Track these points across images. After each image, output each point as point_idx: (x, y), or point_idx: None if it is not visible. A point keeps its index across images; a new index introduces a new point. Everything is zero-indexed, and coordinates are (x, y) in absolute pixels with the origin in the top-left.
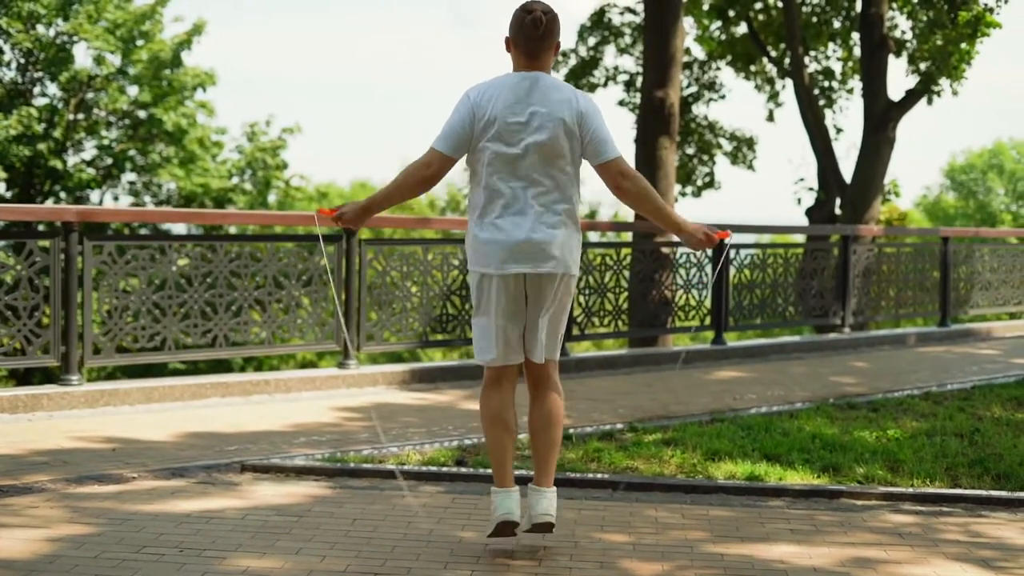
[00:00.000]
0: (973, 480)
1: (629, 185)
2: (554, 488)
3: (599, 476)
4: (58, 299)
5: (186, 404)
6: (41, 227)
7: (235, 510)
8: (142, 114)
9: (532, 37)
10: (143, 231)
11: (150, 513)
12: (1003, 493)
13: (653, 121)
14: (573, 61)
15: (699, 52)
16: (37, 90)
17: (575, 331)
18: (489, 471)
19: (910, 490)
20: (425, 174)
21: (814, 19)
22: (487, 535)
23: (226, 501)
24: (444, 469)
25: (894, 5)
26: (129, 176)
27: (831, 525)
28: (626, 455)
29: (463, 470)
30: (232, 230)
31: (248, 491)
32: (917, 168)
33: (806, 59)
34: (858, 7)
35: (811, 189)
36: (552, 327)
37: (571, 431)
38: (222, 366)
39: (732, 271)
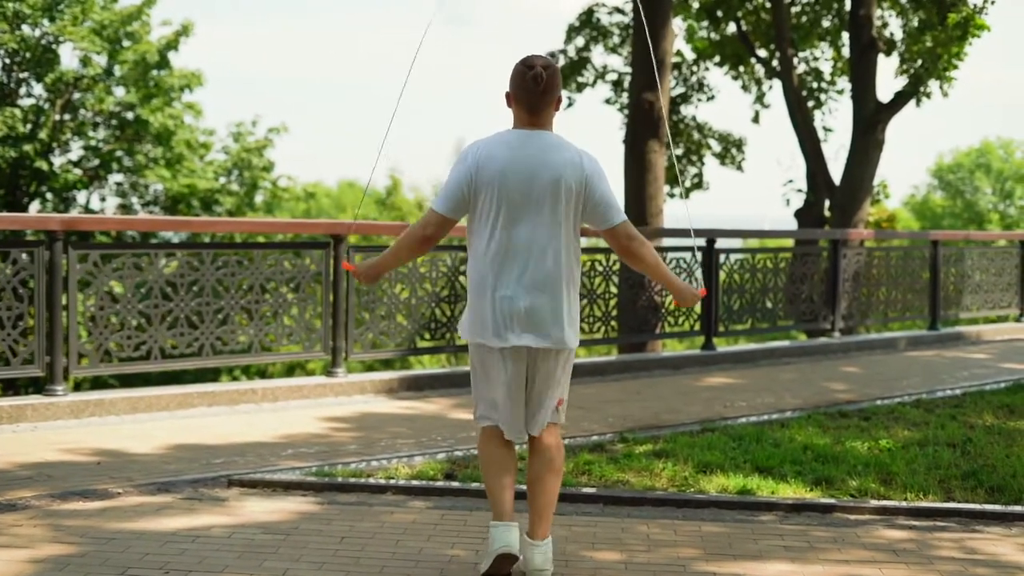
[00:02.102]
0: (967, 493)
1: (637, 247)
2: (550, 539)
3: (590, 491)
4: (42, 308)
5: (172, 414)
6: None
7: (222, 528)
8: (129, 115)
9: (533, 92)
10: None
11: (135, 531)
12: (997, 507)
13: (642, 124)
14: (562, 61)
15: (688, 53)
16: (23, 91)
17: None
18: (479, 486)
19: (904, 504)
20: (424, 234)
21: (803, 18)
22: (482, 571)
23: (213, 518)
24: (433, 484)
25: (884, 5)
26: (116, 177)
27: (825, 541)
28: (617, 468)
29: (453, 484)
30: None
31: (235, 507)
32: (905, 167)
33: (795, 60)
34: (847, 8)
35: (800, 191)
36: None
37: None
38: (206, 377)
39: (722, 275)
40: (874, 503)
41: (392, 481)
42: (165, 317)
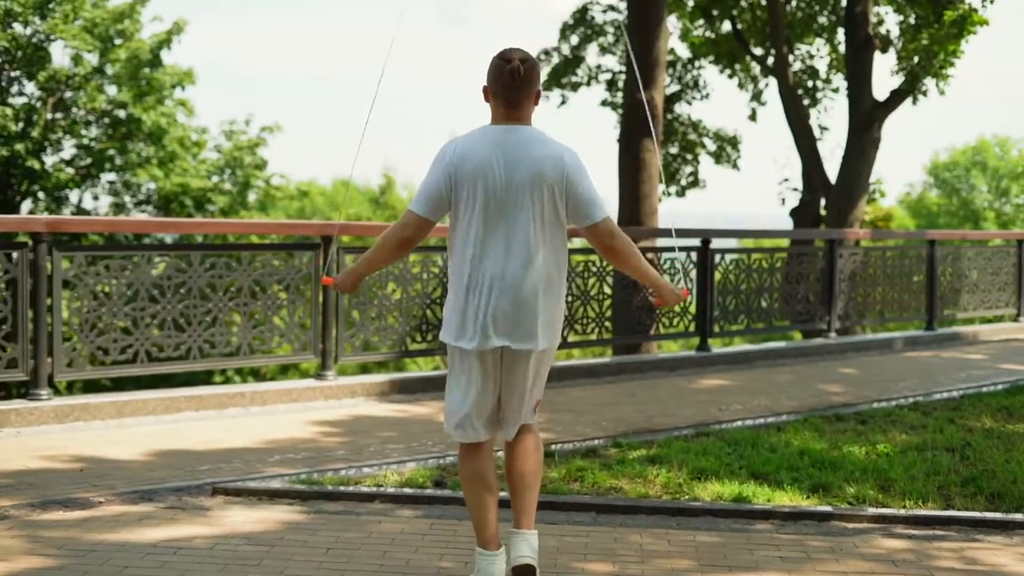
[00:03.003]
0: (966, 500)
1: (618, 245)
2: (535, 530)
3: (582, 499)
4: (26, 311)
5: (159, 418)
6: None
7: (204, 538)
8: (121, 113)
9: (511, 86)
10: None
11: (116, 543)
12: (997, 515)
13: (636, 123)
14: (556, 60)
15: (683, 51)
16: (15, 89)
17: None
18: None
19: (902, 512)
20: (403, 236)
21: (799, 16)
22: None
23: (195, 528)
24: (422, 492)
25: (880, 2)
26: (109, 176)
27: (822, 551)
28: (610, 474)
29: (442, 492)
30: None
31: (218, 517)
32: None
33: (790, 58)
34: (843, 5)
35: (795, 189)
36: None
37: (553, 447)
38: (199, 377)
39: (717, 276)
40: (872, 511)
41: (380, 489)
42: (152, 319)
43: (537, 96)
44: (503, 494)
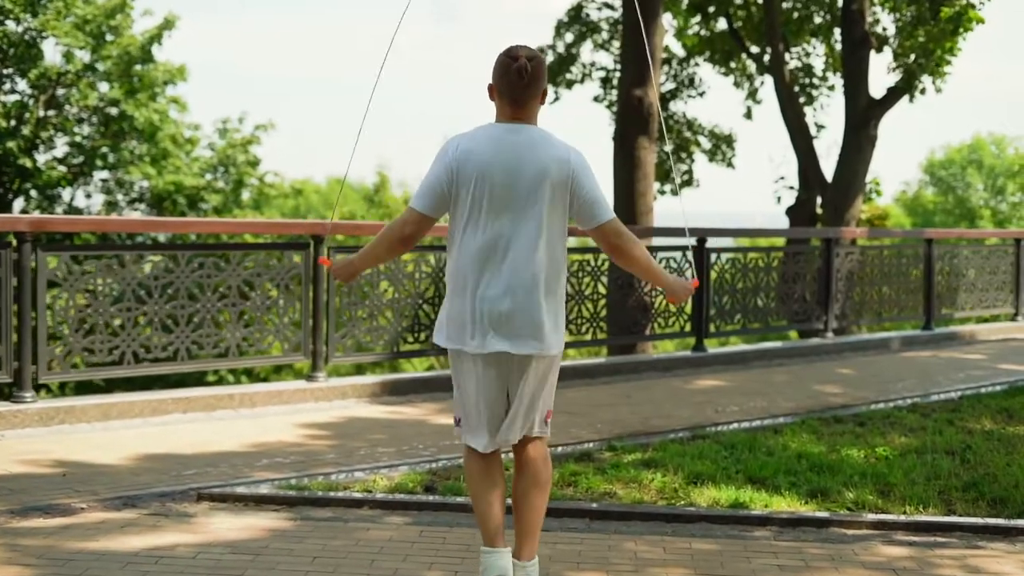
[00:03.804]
0: (968, 505)
1: (626, 245)
2: (536, 560)
3: (576, 505)
4: (9, 312)
5: (146, 421)
6: None
7: (187, 547)
8: (113, 111)
9: (518, 85)
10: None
11: (96, 551)
12: (1000, 521)
13: (631, 120)
14: (550, 57)
15: (677, 48)
16: (6, 87)
17: None
18: (460, 499)
19: (903, 518)
20: (402, 233)
21: (795, 15)
22: None
23: (178, 536)
24: (412, 498)
25: (875, 1)
26: (102, 174)
27: (821, 559)
28: (604, 479)
29: (432, 498)
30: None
31: (202, 524)
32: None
33: (786, 56)
34: (839, 2)
35: (791, 188)
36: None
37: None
38: (191, 378)
39: (713, 275)
40: (872, 517)
41: (369, 495)
42: (140, 320)
43: (543, 95)
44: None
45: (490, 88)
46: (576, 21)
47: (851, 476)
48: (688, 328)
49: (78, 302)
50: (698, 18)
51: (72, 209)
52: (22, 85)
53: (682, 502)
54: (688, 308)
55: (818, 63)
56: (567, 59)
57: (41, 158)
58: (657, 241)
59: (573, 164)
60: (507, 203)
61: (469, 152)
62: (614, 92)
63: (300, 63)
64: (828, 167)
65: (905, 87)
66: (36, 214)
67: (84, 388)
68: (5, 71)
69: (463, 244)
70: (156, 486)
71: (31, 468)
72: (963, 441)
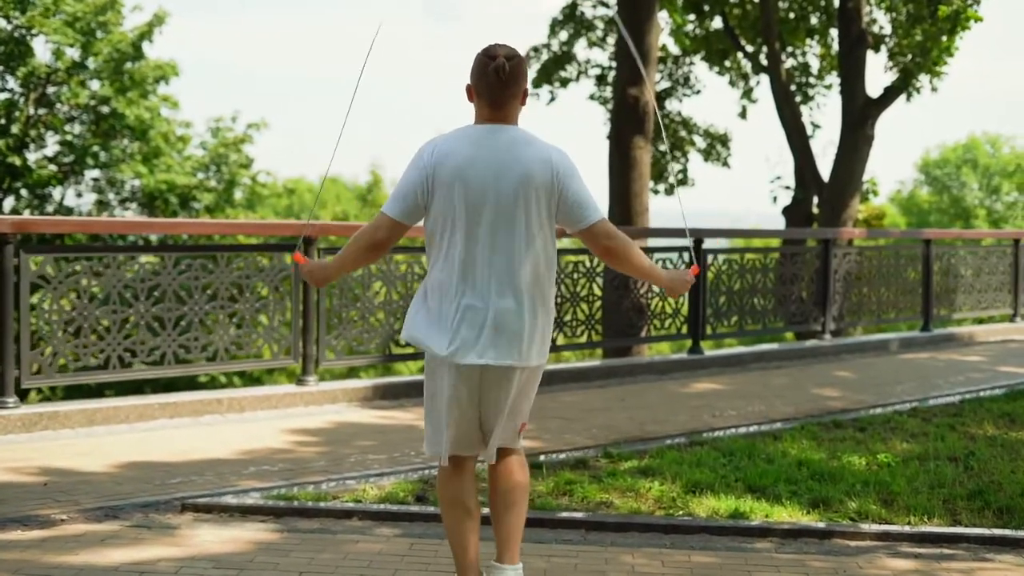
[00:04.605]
0: (973, 515)
1: (616, 245)
2: (519, 565)
3: (571, 516)
4: None
5: (132, 427)
6: None
7: (169, 561)
8: (104, 109)
9: (496, 85)
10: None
11: (75, 566)
12: (1007, 532)
13: (627, 119)
14: (545, 56)
15: (673, 47)
16: None
17: None
18: None
19: (907, 529)
20: (374, 239)
21: (791, 14)
22: None
23: (161, 549)
24: (403, 508)
25: (871, 1)
26: (93, 173)
27: (824, 573)
28: (600, 488)
29: (423, 509)
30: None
31: (186, 536)
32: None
33: (783, 55)
34: (835, 1)
35: (788, 187)
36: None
37: (541, 458)
38: (182, 380)
39: (709, 276)
40: (875, 528)
41: (359, 505)
42: (125, 323)
43: (524, 95)
44: (485, 510)
45: (468, 89)
46: (571, 20)
47: (853, 484)
48: (684, 330)
49: (63, 305)
50: (693, 16)
51: (62, 208)
52: (11, 83)
53: (681, 512)
54: (684, 310)
55: (814, 62)
56: (562, 57)
57: (31, 157)
58: (652, 242)
59: (556, 164)
60: (488, 208)
61: (446, 155)
62: (609, 89)
63: (300, 62)
64: (824, 167)
65: (902, 86)
66: (24, 215)
67: (74, 392)
68: None
69: (443, 252)
70: (140, 496)
71: (11, 477)
72: (966, 447)
